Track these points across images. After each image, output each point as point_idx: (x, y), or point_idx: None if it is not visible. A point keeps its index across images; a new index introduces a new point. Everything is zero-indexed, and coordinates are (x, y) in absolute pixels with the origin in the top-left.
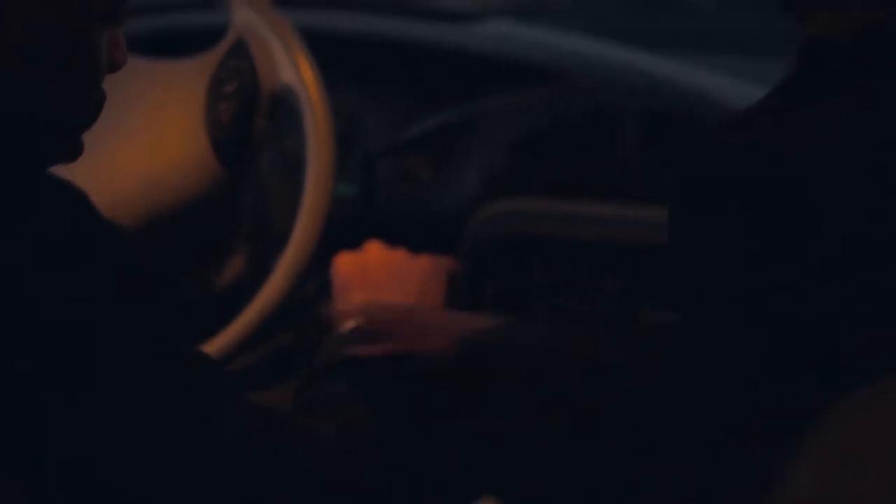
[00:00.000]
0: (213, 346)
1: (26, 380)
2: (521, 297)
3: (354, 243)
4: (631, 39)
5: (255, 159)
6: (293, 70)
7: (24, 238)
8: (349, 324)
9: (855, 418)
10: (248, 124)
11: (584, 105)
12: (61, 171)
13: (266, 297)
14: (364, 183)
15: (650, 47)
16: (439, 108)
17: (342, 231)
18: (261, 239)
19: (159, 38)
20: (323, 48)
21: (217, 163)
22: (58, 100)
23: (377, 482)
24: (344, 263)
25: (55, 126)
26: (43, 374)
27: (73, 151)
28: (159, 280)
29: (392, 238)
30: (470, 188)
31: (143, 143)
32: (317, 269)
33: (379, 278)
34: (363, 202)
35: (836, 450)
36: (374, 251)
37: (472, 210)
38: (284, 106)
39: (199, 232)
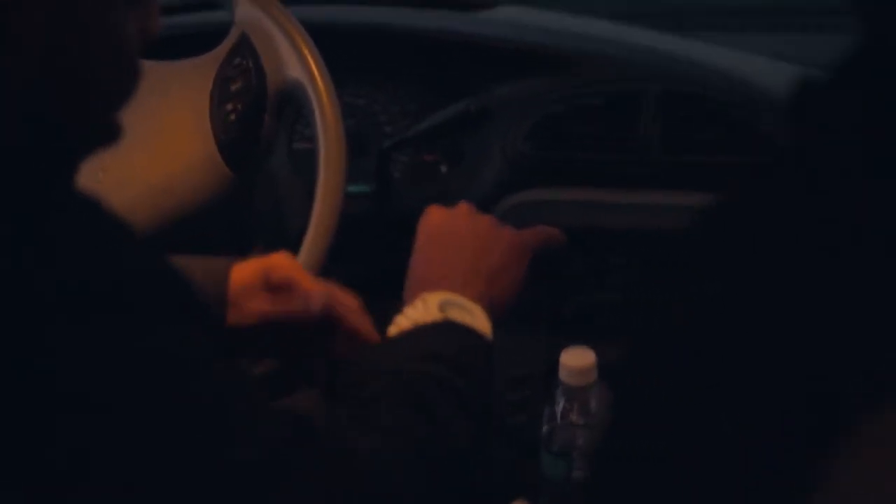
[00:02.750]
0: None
1: (40, 393)
2: (546, 287)
3: (371, 242)
4: (636, 20)
5: (266, 159)
6: (300, 65)
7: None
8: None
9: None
10: (256, 123)
11: (602, 89)
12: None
13: None
14: (379, 179)
15: (658, 27)
16: (454, 99)
17: (359, 229)
18: (276, 240)
19: (162, 40)
20: (330, 43)
21: (226, 165)
22: (91, 87)
23: (413, 496)
24: (431, 219)
25: (91, 112)
26: (58, 387)
27: (113, 132)
28: (181, 289)
29: (410, 235)
30: (489, 179)
31: (149, 149)
32: (334, 270)
33: (453, 248)
34: (379, 199)
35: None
36: (462, 214)
37: (492, 201)
38: (293, 102)
39: (211, 236)
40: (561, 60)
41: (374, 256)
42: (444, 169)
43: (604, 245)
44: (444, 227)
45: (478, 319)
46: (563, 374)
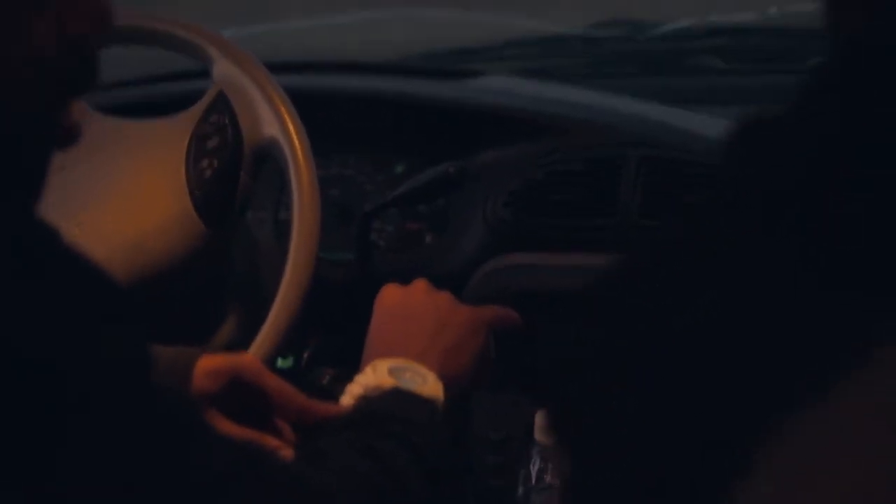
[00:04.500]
0: None
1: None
2: (525, 351)
3: (352, 310)
4: (641, 96)
5: (241, 217)
6: (276, 123)
7: None
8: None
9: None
10: (231, 181)
11: (583, 155)
12: None
13: None
14: (360, 245)
15: (660, 103)
16: (436, 165)
17: (340, 297)
18: (252, 301)
19: (142, 105)
20: (316, 111)
21: (201, 222)
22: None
23: None
24: (386, 296)
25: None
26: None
27: (63, 137)
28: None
29: None
30: (470, 244)
31: (124, 206)
32: (311, 335)
33: (410, 321)
34: (360, 265)
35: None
36: (418, 290)
37: (473, 265)
38: (269, 161)
39: (186, 294)
40: (542, 126)
41: (354, 325)
42: (427, 237)
43: (584, 308)
44: (401, 303)
45: (429, 385)
46: (538, 434)
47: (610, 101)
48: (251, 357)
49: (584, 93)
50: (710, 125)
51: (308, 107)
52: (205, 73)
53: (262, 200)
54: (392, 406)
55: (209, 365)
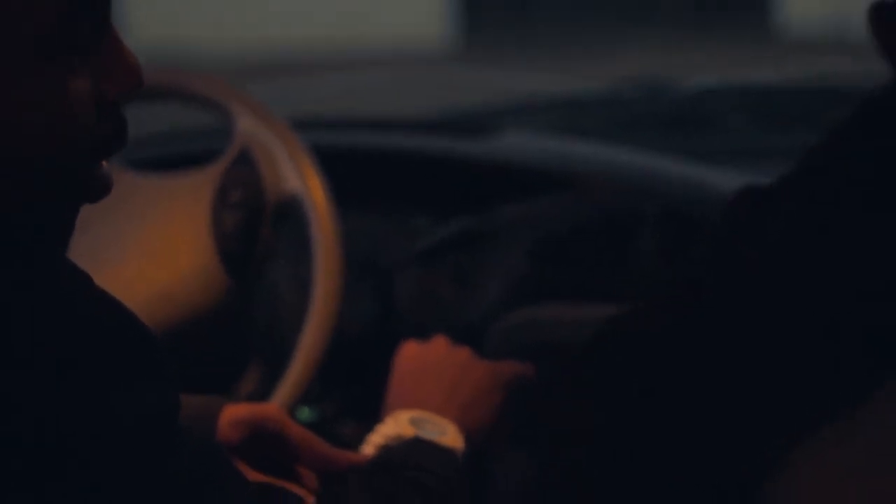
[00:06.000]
0: None
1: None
2: (546, 405)
3: (374, 361)
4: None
5: (264, 269)
6: (298, 178)
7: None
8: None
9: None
10: (255, 234)
11: (602, 210)
12: None
13: None
14: (382, 300)
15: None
16: (458, 220)
17: (361, 349)
18: (274, 354)
19: (164, 160)
20: (339, 168)
21: (225, 274)
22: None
23: None
24: (406, 354)
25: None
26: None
27: (91, 190)
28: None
29: None
30: (491, 298)
31: (149, 258)
32: (336, 388)
33: (429, 376)
34: (381, 319)
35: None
36: (437, 346)
37: (494, 319)
38: (292, 215)
39: (209, 346)
40: (562, 181)
41: (375, 378)
42: (447, 292)
43: None
44: (420, 359)
45: (449, 436)
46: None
47: (630, 157)
48: (274, 407)
49: (605, 149)
50: (731, 182)
51: (330, 163)
52: (224, 129)
53: (284, 253)
54: (413, 455)
55: (233, 415)
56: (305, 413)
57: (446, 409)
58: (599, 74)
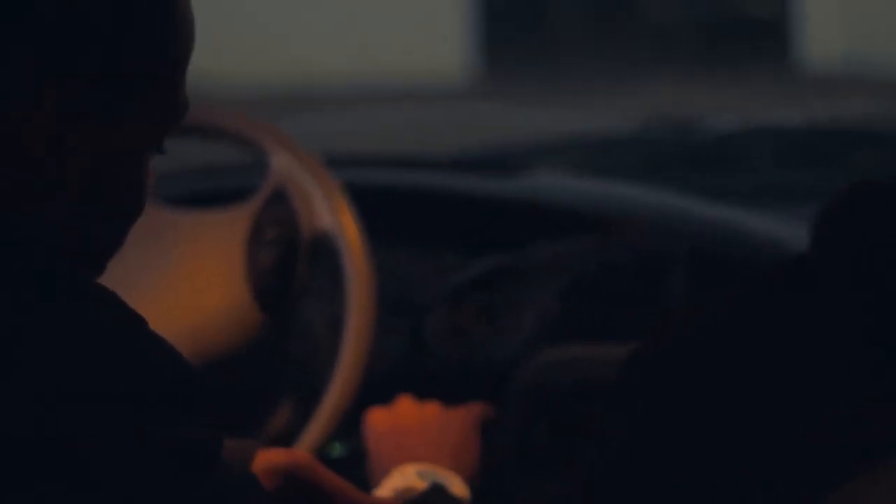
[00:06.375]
0: None
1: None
2: (576, 443)
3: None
4: (689, 193)
5: (298, 306)
6: (332, 216)
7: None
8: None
9: None
10: (289, 271)
11: (633, 250)
12: None
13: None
14: (413, 336)
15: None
16: (488, 259)
17: (392, 386)
18: (306, 390)
19: (200, 197)
20: (372, 205)
21: (259, 310)
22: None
23: None
24: (375, 419)
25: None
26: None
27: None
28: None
29: (442, 391)
30: (521, 336)
31: (183, 293)
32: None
33: (410, 435)
34: (412, 356)
35: None
36: (406, 406)
37: (523, 357)
38: (325, 252)
39: (242, 381)
40: (592, 221)
41: None
42: (478, 330)
43: None
44: (393, 421)
45: (457, 485)
46: None
47: (659, 196)
48: (306, 455)
49: (634, 189)
50: (759, 223)
51: (362, 200)
52: (257, 165)
53: (317, 290)
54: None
55: (266, 462)
56: (337, 449)
57: (439, 460)
58: (619, 110)
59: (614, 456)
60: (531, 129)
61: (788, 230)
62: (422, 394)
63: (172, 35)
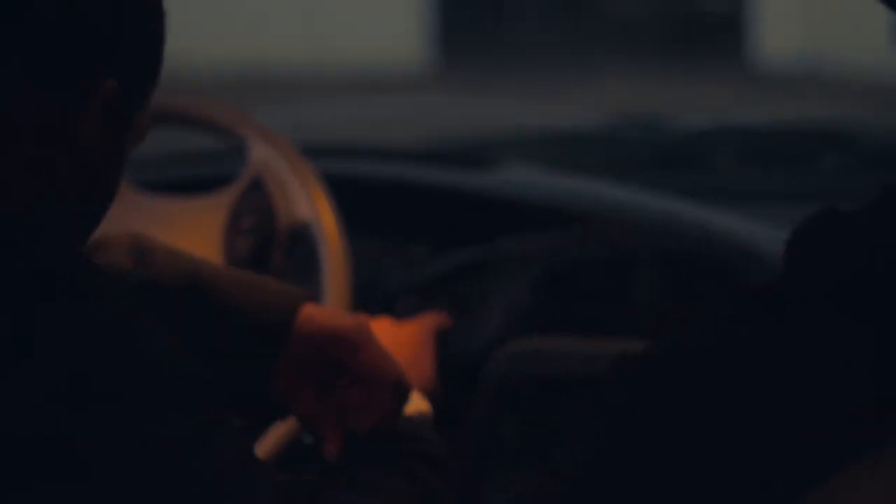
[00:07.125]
0: None
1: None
2: (542, 435)
3: None
4: (655, 190)
5: None
6: (310, 206)
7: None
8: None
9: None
10: (266, 260)
11: (604, 245)
12: None
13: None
14: None
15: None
16: (459, 251)
17: None
18: None
19: (177, 183)
20: (346, 195)
21: None
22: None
23: None
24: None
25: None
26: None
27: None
28: (189, 390)
29: None
30: (491, 328)
31: None
32: None
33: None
34: None
35: None
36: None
37: (493, 349)
38: (303, 242)
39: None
40: (563, 217)
41: None
42: (448, 322)
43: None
44: None
45: (414, 399)
46: None
47: (629, 194)
48: (358, 324)
49: (605, 185)
50: (721, 220)
51: (337, 190)
52: (234, 152)
53: (294, 278)
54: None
55: (310, 322)
56: (308, 436)
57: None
58: (576, 104)
59: (592, 456)
60: (487, 122)
61: (753, 229)
62: None
63: (165, 31)
